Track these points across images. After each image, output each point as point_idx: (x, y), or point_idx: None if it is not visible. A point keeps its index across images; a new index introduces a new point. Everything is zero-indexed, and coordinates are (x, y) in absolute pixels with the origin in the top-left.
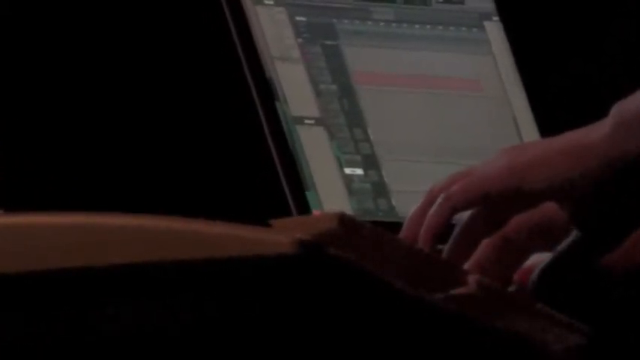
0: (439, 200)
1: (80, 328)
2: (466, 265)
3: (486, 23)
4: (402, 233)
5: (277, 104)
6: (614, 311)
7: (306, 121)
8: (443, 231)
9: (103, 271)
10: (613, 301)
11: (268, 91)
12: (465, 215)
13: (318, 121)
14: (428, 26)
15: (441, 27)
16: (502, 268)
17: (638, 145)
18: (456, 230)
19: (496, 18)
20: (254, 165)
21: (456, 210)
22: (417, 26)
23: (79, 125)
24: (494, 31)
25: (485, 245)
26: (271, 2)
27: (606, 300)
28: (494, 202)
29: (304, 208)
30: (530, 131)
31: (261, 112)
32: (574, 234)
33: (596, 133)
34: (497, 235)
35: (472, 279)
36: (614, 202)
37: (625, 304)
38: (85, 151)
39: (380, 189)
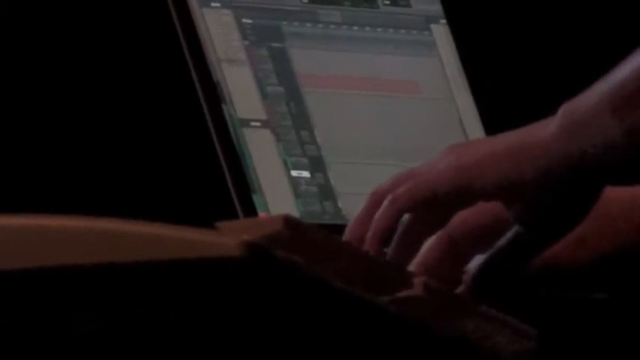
0: (386, 203)
1: (14, 332)
2: (411, 266)
3: (433, 26)
4: (346, 236)
5: (224, 107)
6: (551, 309)
7: (253, 124)
8: (390, 234)
9: (41, 274)
10: (550, 298)
11: (215, 94)
12: (406, 215)
13: (265, 124)
14: (375, 29)
15: (387, 29)
16: (447, 267)
17: (586, 145)
18: (399, 231)
19: (443, 21)
20: (200, 167)
21: (403, 212)
22: (363, 29)
23: (24, 126)
24: (441, 33)
25: (429, 245)
26: (218, 5)
27: (543, 296)
28: (441, 203)
29: (250, 210)
30: (476, 133)
31: (207, 115)
32: (513, 230)
33: (543, 132)
34: (441, 235)
35: (418, 281)
36: (560, 201)
37: (563, 302)
38: (28, 152)
39: (326, 191)
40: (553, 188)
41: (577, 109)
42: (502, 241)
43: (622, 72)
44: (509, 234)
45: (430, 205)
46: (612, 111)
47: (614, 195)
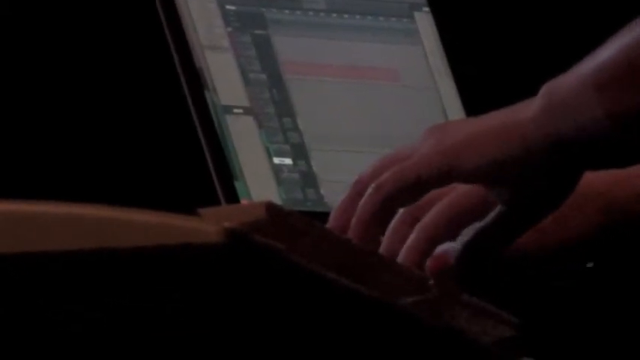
0: (370, 190)
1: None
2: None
3: (416, 14)
4: (330, 223)
5: (206, 93)
6: (532, 296)
7: (235, 111)
8: (375, 222)
9: (25, 259)
10: (531, 284)
11: (197, 80)
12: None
13: (247, 111)
14: (358, 16)
15: (371, 17)
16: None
17: (568, 126)
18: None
19: (426, 9)
20: (183, 154)
21: (387, 199)
22: (347, 16)
23: (7, 113)
24: (424, 21)
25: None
26: None
27: (523, 281)
28: (425, 188)
29: (233, 197)
30: None
31: (190, 102)
32: (496, 210)
33: (524, 113)
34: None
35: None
36: (541, 182)
37: (543, 288)
38: (12, 138)
39: (309, 179)
40: (534, 169)
41: (559, 88)
42: (485, 222)
43: (607, 51)
44: (492, 214)
45: (414, 191)
46: (596, 89)
47: (594, 177)
